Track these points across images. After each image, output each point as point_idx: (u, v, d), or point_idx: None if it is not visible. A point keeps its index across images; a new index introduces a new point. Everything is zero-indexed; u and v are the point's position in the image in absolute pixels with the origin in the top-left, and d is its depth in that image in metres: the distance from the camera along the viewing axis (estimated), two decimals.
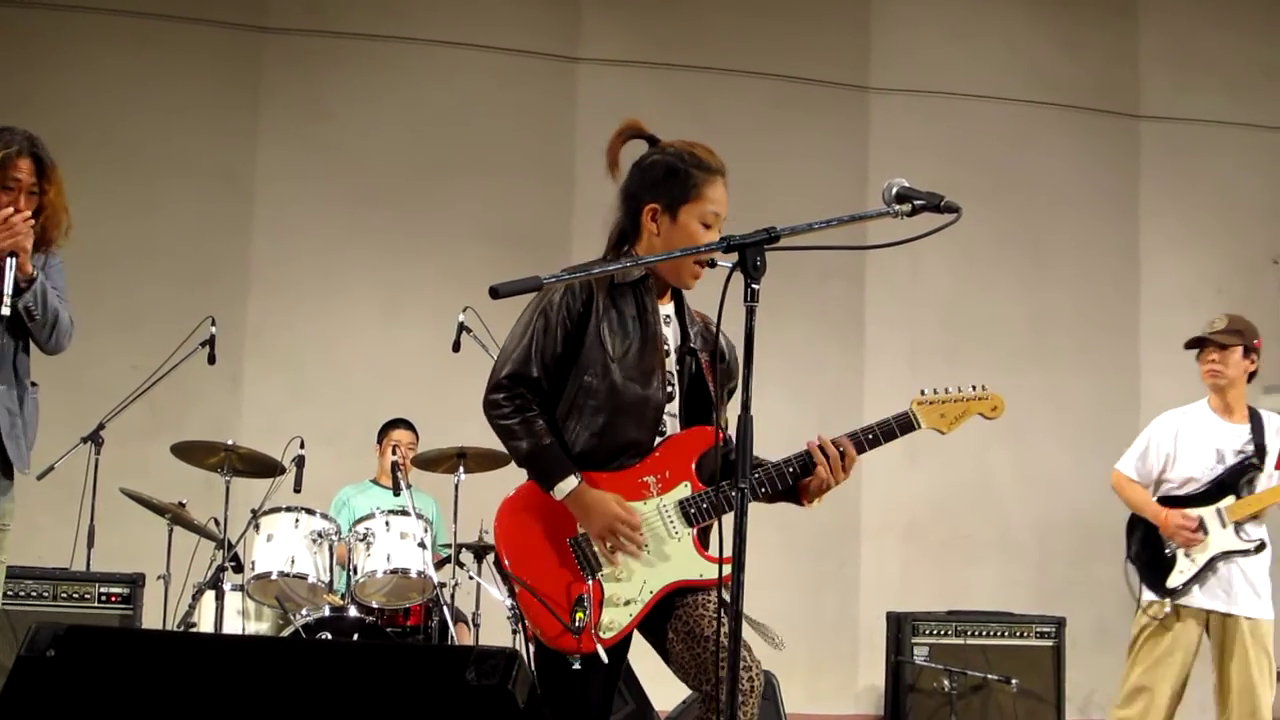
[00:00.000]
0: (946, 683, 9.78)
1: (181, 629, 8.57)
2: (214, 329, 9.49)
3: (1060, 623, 10.43)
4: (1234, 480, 7.67)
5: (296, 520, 8.75)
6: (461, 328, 9.31)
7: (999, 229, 12.91)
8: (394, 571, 8.68)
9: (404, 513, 8.87)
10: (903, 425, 5.09)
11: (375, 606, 8.73)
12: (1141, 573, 7.92)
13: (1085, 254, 13.31)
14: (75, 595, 8.97)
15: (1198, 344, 7.93)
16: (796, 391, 12.12)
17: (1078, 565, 12.52)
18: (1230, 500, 7.66)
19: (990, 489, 12.63)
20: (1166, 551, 7.77)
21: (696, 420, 5.10)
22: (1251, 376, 7.91)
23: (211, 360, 9.54)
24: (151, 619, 9.23)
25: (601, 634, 4.75)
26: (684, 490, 4.95)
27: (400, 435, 10.19)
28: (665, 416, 5.02)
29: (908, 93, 13.14)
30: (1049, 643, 10.36)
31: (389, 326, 12.06)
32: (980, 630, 10.13)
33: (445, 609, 8.70)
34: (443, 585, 8.79)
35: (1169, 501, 7.84)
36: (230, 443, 8.96)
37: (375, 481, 10.31)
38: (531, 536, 4.85)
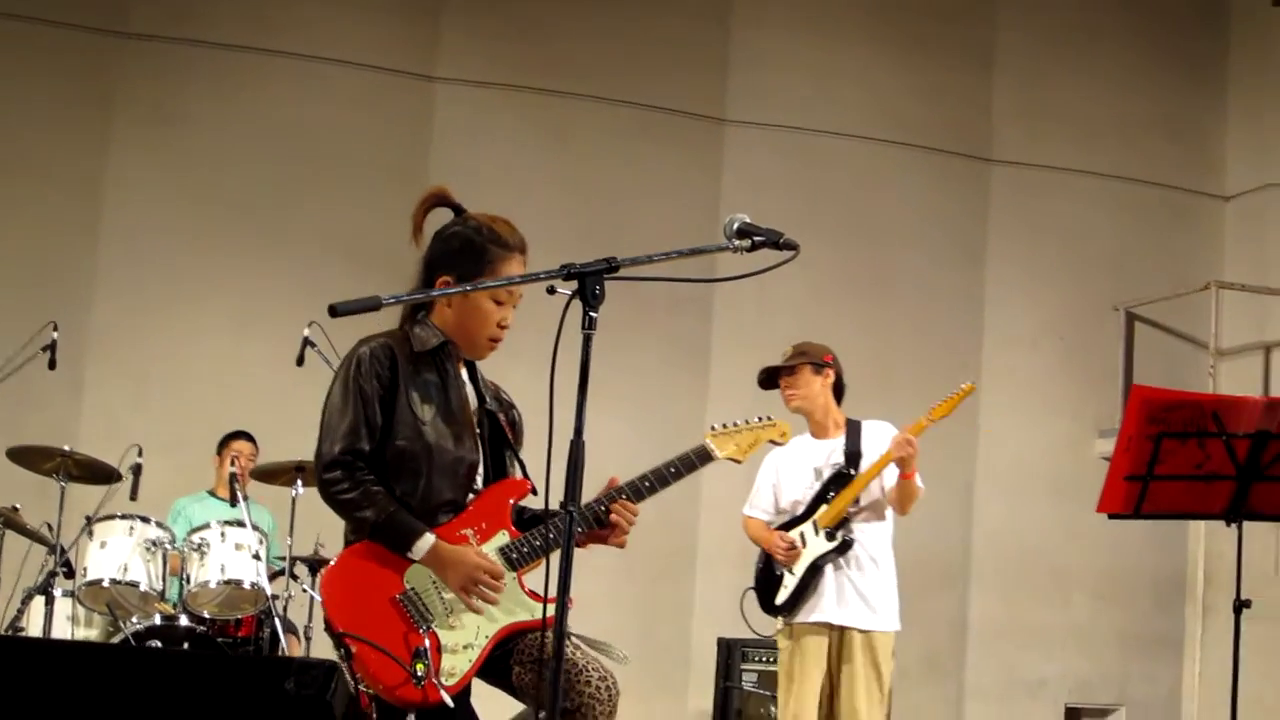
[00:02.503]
0: (773, 709, 9.86)
1: (9, 633, 8.49)
2: (55, 333, 9.42)
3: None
4: (826, 491, 7.82)
5: (131, 528, 8.70)
6: (306, 342, 9.26)
7: (847, 266, 13.05)
8: (227, 582, 8.68)
9: (239, 524, 8.85)
10: (701, 456, 5.28)
11: (207, 616, 8.72)
12: (758, 597, 8.03)
13: (931, 294, 13.46)
14: None
15: (770, 376, 8.08)
16: (640, 417, 12.13)
17: (909, 597, 12.64)
18: (824, 509, 7.80)
19: None
20: (777, 573, 7.90)
21: (499, 478, 5.21)
22: (839, 393, 8.09)
23: (52, 365, 9.46)
24: None
25: (444, 681, 4.79)
26: (503, 537, 5.03)
27: (240, 446, 10.14)
28: (476, 475, 5.10)
29: (762, 126, 13.24)
30: None
31: (235, 337, 11.95)
32: None
33: (277, 620, 8.69)
34: (275, 597, 8.78)
35: (785, 527, 7.96)
36: (66, 449, 8.91)
37: (212, 493, 10.25)
38: (359, 598, 4.86)
